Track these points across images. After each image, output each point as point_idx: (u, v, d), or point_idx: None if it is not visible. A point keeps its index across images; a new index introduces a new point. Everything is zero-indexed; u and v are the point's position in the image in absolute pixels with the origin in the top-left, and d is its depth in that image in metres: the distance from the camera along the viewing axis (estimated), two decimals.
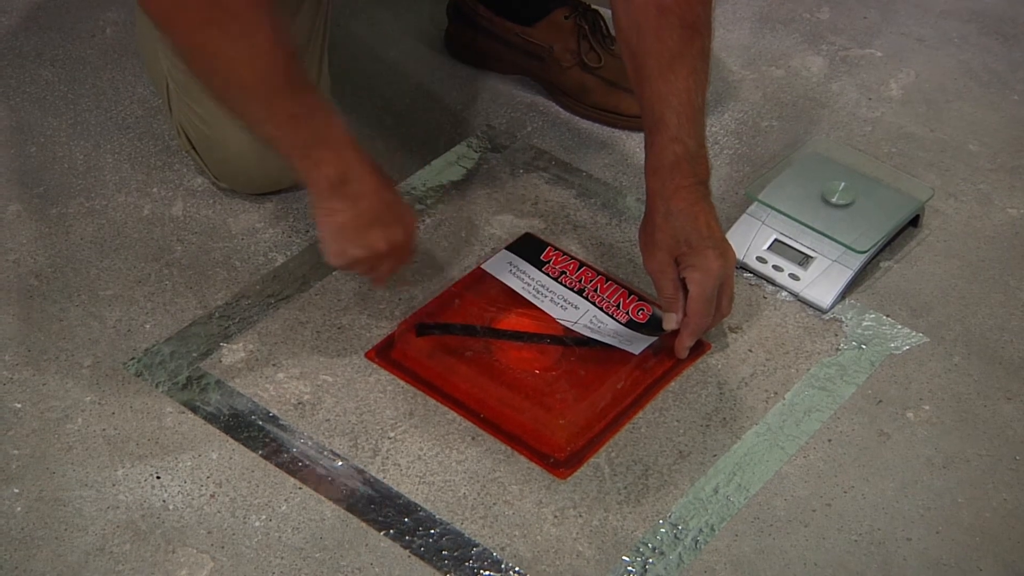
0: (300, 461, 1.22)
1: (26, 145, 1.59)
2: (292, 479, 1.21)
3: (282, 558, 1.15)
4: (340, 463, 1.22)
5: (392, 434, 1.25)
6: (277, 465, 1.22)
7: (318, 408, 1.27)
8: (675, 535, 1.17)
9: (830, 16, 1.86)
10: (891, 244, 1.46)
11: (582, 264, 1.38)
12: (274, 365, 1.32)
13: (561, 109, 1.66)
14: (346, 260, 1.26)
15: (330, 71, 1.48)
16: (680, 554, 1.16)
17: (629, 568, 1.15)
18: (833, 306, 1.39)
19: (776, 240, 1.43)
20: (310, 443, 1.24)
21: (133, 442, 1.24)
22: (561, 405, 1.25)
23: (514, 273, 1.37)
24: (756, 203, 1.46)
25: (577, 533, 1.17)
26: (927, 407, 1.30)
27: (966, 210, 1.53)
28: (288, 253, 1.45)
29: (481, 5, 1.68)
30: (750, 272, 1.43)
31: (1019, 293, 1.43)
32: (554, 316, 1.33)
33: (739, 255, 1.43)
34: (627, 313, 1.33)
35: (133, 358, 1.32)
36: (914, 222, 1.49)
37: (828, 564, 1.15)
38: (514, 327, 1.32)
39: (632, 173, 1.56)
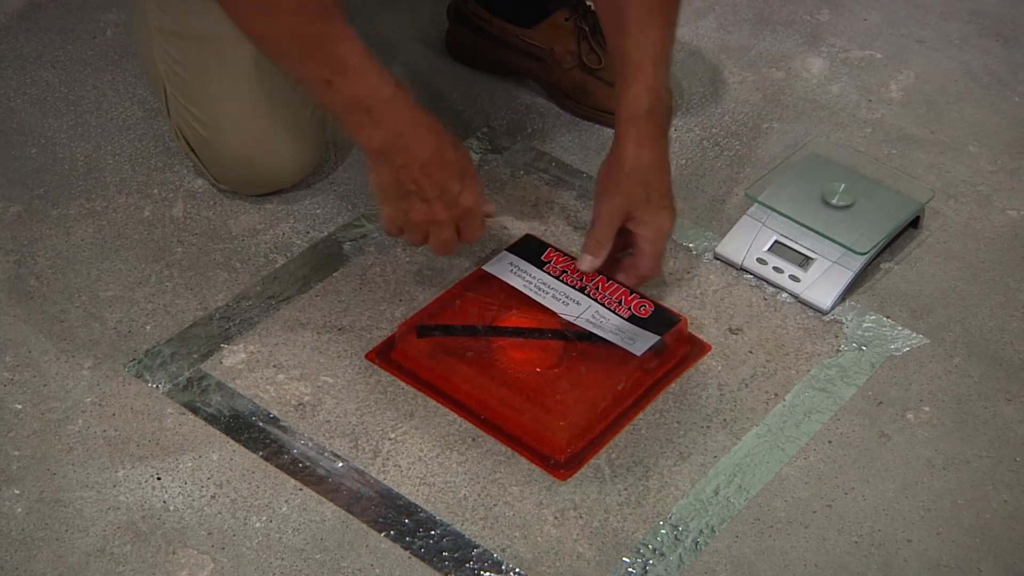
0: (301, 462, 1.22)
1: (26, 146, 1.59)
2: (293, 480, 1.21)
3: (282, 559, 1.15)
4: (341, 464, 1.22)
5: (393, 435, 1.25)
6: (278, 466, 1.22)
7: (319, 409, 1.27)
8: (675, 536, 1.17)
9: (830, 18, 1.86)
10: (891, 246, 1.46)
11: (600, 271, 1.37)
12: (275, 366, 1.32)
13: (561, 111, 1.66)
14: (385, 216, 1.28)
15: None
16: (680, 555, 1.16)
17: (630, 569, 1.15)
18: (833, 308, 1.39)
19: (776, 242, 1.43)
20: (311, 444, 1.24)
21: (134, 443, 1.24)
22: (561, 406, 1.25)
23: (515, 273, 1.37)
24: (756, 205, 1.46)
25: (578, 534, 1.17)
26: (927, 408, 1.30)
27: (966, 212, 1.54)
28: (288, 254, 1.45)
29: (481, 7, 1.68)
30: (750, 274, 1.43)
31: (1019, 295, 1.43)
32: (556, 311, 1.33)
33: (739, 257, 1.43)
34: (629, 309, 1.33)
35: (134, 359, 1.32)
36: (914, 224, 1.49)
37: (828, 565, 1.15)
38: (515, 323, 1.33)
39: None
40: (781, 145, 1.63)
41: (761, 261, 1.43)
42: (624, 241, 1.35)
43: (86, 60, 1.72)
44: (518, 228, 1.48)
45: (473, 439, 1.25)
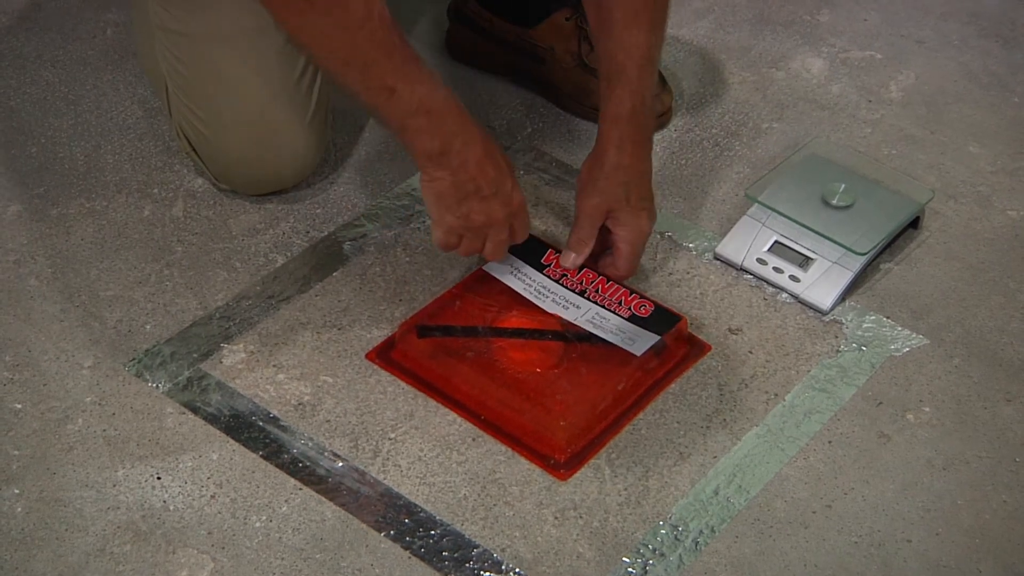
0: (300, 462, 1.22)
1: (27, 146, 1.59)
2: (293, 480, 1.21)
3: (282, 559, 1.15)
4: (341, 464, 1.22)
5: (393, 435, 1.25)
6: (277, 466, 1.22)
7: (319, 409, 1.27)
8: (675, 536, 1.17)
9: (830, 18, 1.86)
10: (891, 246, 1.46)
11: (583, 266, 1.38)
12: (275, 366, 1.32)
13: (562, 110, 1.66)
14: (444, 228, 1.27)
15: None
16: (680, 555, 1.16)
17: (629, 569, 1.15)
18: (833, 308, 1.39)
19: (776, 242, 1.43)
20: (310, 444, 1.24)
21: (133, 443, 1.24)
22: (562, 406, 1.25)
23: (515, 275, 1.37)
24: (756, 205, 1.46)
25: (577, 534, 1.17)
26: (927, 409, 1.30)
27: (966, 212, 1.54)
28: (288, 254, 1.45)
29: (482, 7, 1.68)
30: (750, 274, 1.43)
31: (1019, 295, 1.43)
32: (556, 314, 1.33)
33: (739, 257, 1.43)
34: (629, 309, 1.33)
35: (133, 359, 1.32)
36: (914, 224, 1.49)
37: (828, 566, 1.15)
38: (516, 324, 1.33)
39: None
40: (781, 145, 1.63)
41: (761, 261, 1.43)
42: (604, 240, 1.37)
43: (86, 60, 1.72)
44: None
45: (473, 439, 1.25)
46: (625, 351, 1.29)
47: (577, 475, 1.22)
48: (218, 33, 1.39)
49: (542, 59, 1.65)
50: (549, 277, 1.37)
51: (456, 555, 1.15)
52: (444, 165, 1.23)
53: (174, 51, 1.42)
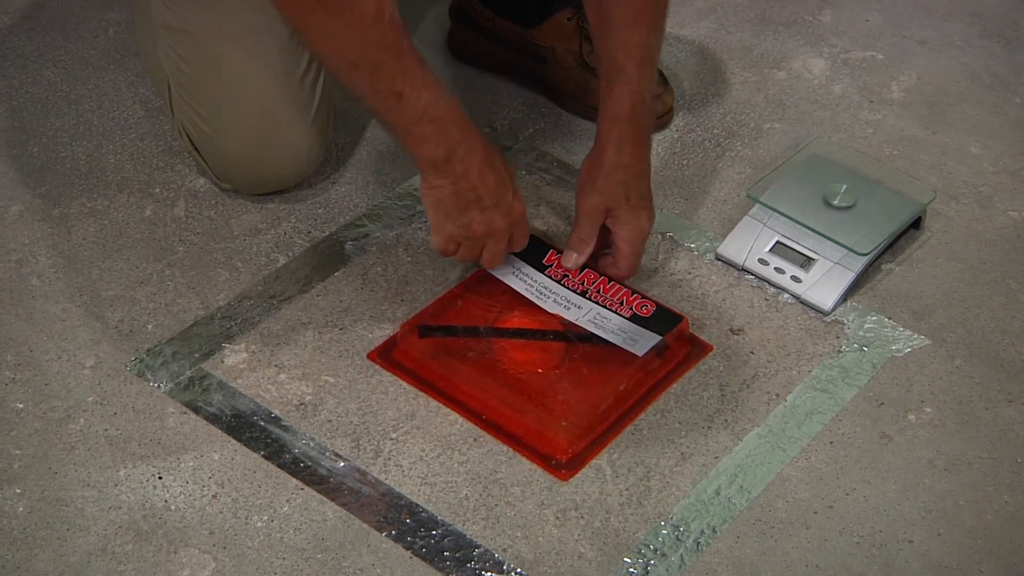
0: (302, 462, 1.22)
1: (28, 145, 1.59)
2: (294, 480, 1.21)
3: (284, 559, 1.15)
4: (342, 464, 1.22)
5: (394, 435, 1.25)
6: (279, 466, 1.22)
7: (320, 409, 1.28)
8: (677, 537, 1.17)
9: (832, 18, 1.86)
10: (893, 246, 1.46)
11: (584, 265, 1.38)
12: (276, 366, 1.32)
13: (563, 110, 1.66)
14: (444, 237, 1.27)
15: None
16: (682, 556, 1.16)
17: (631, 570, 1.15)
18: (835, 308, 1.39)
19: (778, 242, 1.43)
20: (312, 444, 1.24)
21: (135, 442, 1.24)
22: (563, 407, 1.25)
23: (516, 276, 1.37)
24: (758, 205, 1.46)
25: (579, 534, 1.17)
26: (929, 409, 1.30)
27: (968, 213, 1.54)
28: (290, 254, 1.45)
29: (484, 6, 1.68)
30: (752, 274, 1.43)
31: (1021, 296, 1.43)
32: (557, 315, 1.33)
33: (741, 258, 1.43)
34: (631, 308, 1.33)
35: (135, 358, 1.32)
36: (916, 224, 1.49)
37: (830, 566, 1.15)
38: (517, 325, 1.33)
39: None
40: (783, 146, 1.63)
41: (763, 262, 1.43)
42: (604, 239, 1.37)
43: (88, 59, 1.72)
44: None
45: (475, 439, 1.25)
46: (627, 351, 1.29)
47: (578, 475, 1.22)
48: (221, 31, 1.39)
49: (544, 59, 1.65)
50: (551, 278, 1.37)
51: (457, 555, 1.15)
52: (446, 173, 1.23)
53: (177, 49, 1.42)
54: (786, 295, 1.41)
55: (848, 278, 1.40)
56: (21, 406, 1.27)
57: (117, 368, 1.31)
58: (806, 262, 1.41)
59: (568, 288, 1.36)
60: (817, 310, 1.39)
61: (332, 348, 1.34)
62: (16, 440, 1.24)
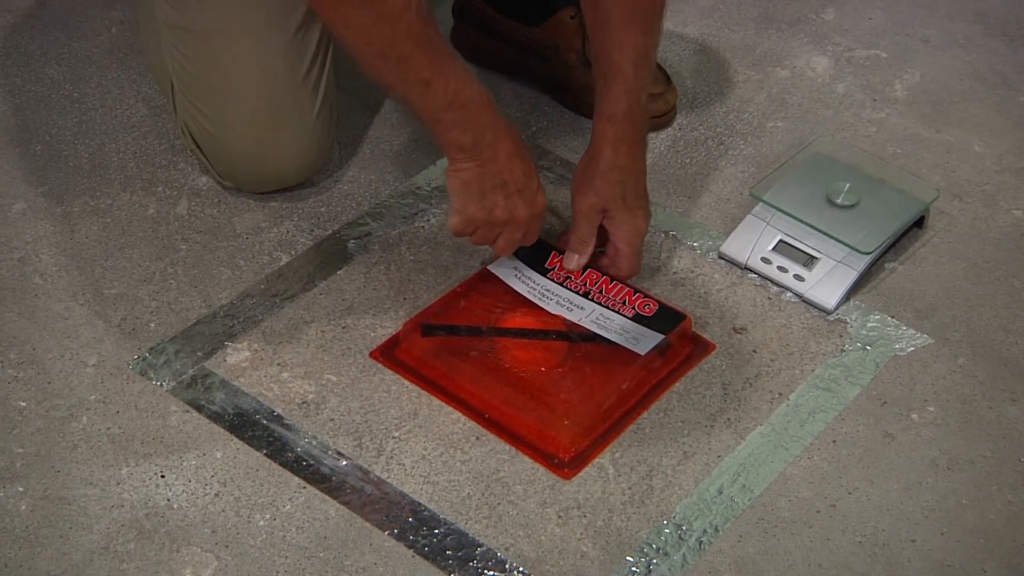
0: (304, 460, 1.22)
1: (31, 144, 1.59)
2: (296, 478, 1.21)
3: (286, 557, 1.15)
4: (344, 462, 1.22)
5: (396, 434, 1.25)
6: (281, 464, 1.22)
7: (322, 407, 1.28)
8: (679, 536, 1.17)
9: (835, 17, 1.86)
10: (896, 245, 1.46)
11: (587, 266, 1.37)
12: (278, 364, 1.32)
13: (566, 109, 1.66)
14: (464, 218, 1.28)
15: (337, 69, 1.48)
16: (684, 555, 1.16)
17: (633, 568, 1.15)
18: (838, 307, 1.39)
19: (781, 241, 1.43)
20: (314, 442, 1.24)
21: (138, 441, 1.24)
22: (566, 405, 1.25)
23: (519, 278, 1.37)
24: (761, 204, 1.46)
25: (581, 533, 1.17)
26: (932, 408, 1.29)
27: (971, 211, 1.53)
28: (293, 252, 1.45)
29: (486, 5, 1.68)
30: (755, 273, 1.43)
31: None
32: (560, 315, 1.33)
33: (744, 256, 1.43)
34: (633, 308, 1.33)
35: (138, 357, 1.32)
36: (919, 223, 1.49)
37: (832, 565, 1.15)
38: (520, 324, 1.33)
39: None
40: (786, 144, 1.62)
41: (765, 260, 1.42)
42: (601, 239, 1.37)
43: (91, 58, 1.72)
44: None
45: (477, 438, 1.25)
46: (629, 350, 1.29)
47: (581, 474, 1.22)
48: (225, 29, 1.39)
49: (547, 57, 1.64)
50: (553, 280, 1.37)
51: (460, 554, 1.15)
52: (474, 157, 1.24)
53: (180, 48, 1.42)
54: (789, 294, 1.41)
55: (851, 277, 1.40)
56: (24, 404, 1.27)
57: (120, 366, 1.31)
58: (809, 261, 1.41)
59: (570, 290, 1.36)
60: (820, 309, 1.39)
61: (334, 347, 1.34)
62: (19, 438, 1.24)
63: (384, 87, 1.25)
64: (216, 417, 1.26)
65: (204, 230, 1.47)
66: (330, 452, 1.23)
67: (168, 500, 1.19)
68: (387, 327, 1.36)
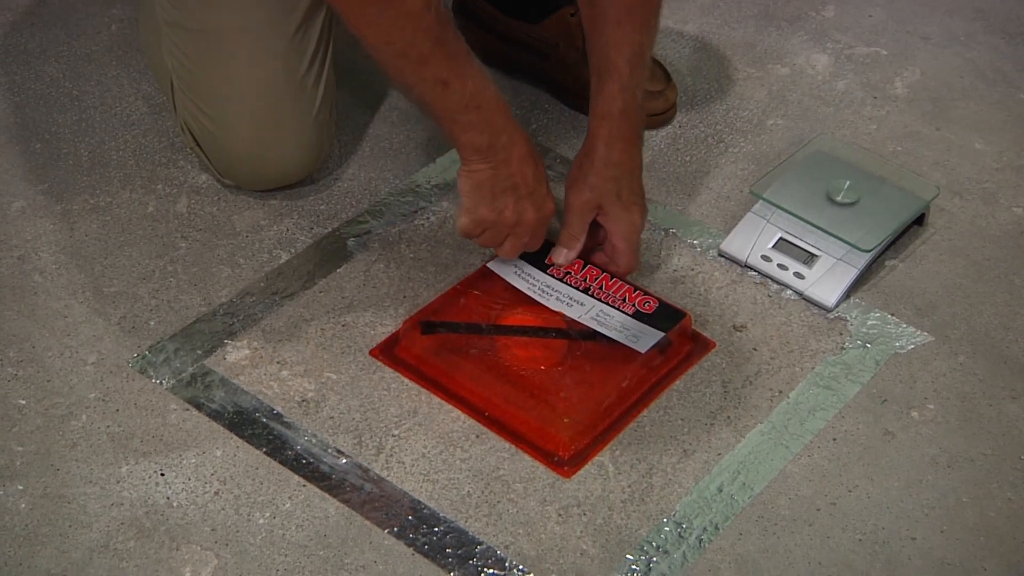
0: (304, 459, 1.22)
1: (31, 142, 1.59)
2: (296, 477, 1.21)
3: (286, 555, 1.15)
4: (344, 460, 1.22)
5: (396, 432, 1.25)
6: (281, 462, 1.22)
7: (322, 406, 1.27)
8: (679, 534, 1.17)
9: (835, 14, 1.86)
10: (896, 243, 1.46)
11: (587, 263, 1.38)
12: (278, 362, 1.32)
13: (566, 107, 1.66)
14: (474, 218, 1.28)
15: (337, 68, 1.48)
16: (684, 553, 1.16)
17: (633, 567, 1.14)
18: (838, 305, 1.39)
19: (781, 238, 1.43)
20: (314, 440, 1.24)
21: (137, 439, 1.24)
22: (565, 403, 1.25)
23: (519, 275, 1.37)
24: (761, 201, 1.46)
25: (581, 531, 1.17)
26: (932, 406, 1.29)
27: (971, 209, 1.53)
28: (292, 250, 1.45)
29: (487, 3, 1.68)
30: (755, 271, 1.43)
31: None
32: (560, 312, 1.33)
33: (744, 254, 1.43)
34: (633, 305, 1.33)
35: (137, 355, 1.32)
36: (919, 221, 1.49)
37: (832, 563, 1.15)
38: (520, 322, 1.33)
39: None
40: (786, 142, 1.62)
41: (765, 258, 1.42)
42: (596, 236, 1.37)
43: (91, 56, 1.72)
44: None
45: (477, 436, 1.25)
46: (629, 348, 1.29)
47: (581, 472, 1.22)
48: (225, 28, 1.39)
49: (547, 55, 1.64)
50: (553, 276, 1.37)
51: (460, 552, 1.15)
52: (488, 158, 1.25)
53: (180, 46, 1.42)
54: (789, 292, 1.41)
55: (851, 275, 1.39)
56: (23, 402, 1.27)
57: (119, 364, 1.31)
58: (809, 258, 1.41)
59: (570, 285, 1.36)
60: (820, 307, 1.39)
61: (334, 345, 1.34)
62: (18, 436, 1.24)
63: (403, 88, 1.25)
64: (216, 415, 1.26)
65: (204, 228, 1.47)
66: (330, 450, 1.23)
67: (168, 498, 1.19)
68: (387, 325, 1.36)
